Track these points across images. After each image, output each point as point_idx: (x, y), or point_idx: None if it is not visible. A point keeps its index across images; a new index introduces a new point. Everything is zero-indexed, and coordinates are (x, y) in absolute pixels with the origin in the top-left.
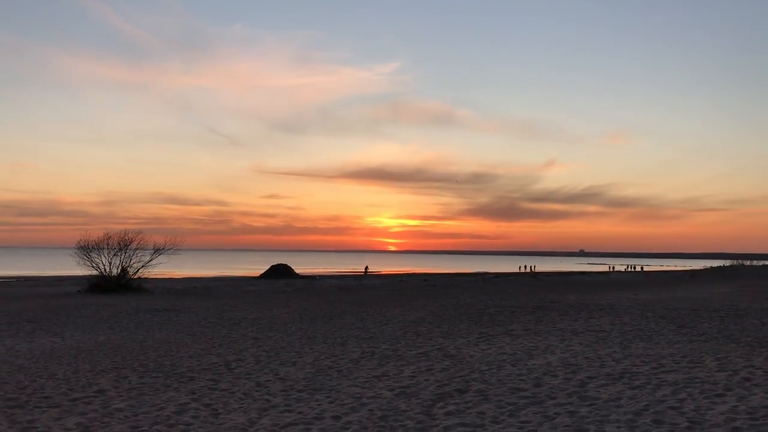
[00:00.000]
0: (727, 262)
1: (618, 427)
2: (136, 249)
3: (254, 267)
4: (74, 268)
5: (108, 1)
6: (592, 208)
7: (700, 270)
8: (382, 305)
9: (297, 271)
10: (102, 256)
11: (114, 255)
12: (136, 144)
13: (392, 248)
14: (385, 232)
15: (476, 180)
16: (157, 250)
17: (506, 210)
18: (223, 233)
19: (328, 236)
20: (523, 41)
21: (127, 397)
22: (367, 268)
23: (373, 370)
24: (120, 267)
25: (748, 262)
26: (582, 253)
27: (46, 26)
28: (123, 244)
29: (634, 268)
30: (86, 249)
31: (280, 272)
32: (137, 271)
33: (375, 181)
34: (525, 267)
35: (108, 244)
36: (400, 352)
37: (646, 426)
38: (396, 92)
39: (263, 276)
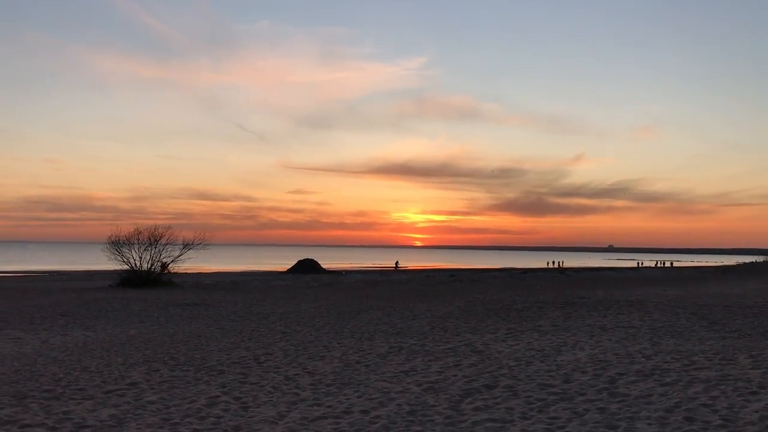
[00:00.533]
0: (760, 258)
1: (649, 424)
2: (166, 244)
3: (281, 262)
4: (105, 262)
5: (139, 0)
6: (620, 203)
7: (732, 266)
8: (408, 300)
9: (323, 266)
10: (132, 251)
11: (144, 250)
12: (165, 140)
13: (418, 243)
14: (411, 227)
15: (503, 175)
16: (187, 245)
17: (533, 205)
18: (251, 228)
19: (354, 231)
20: (551, 34)
21: (159, 389)
22: (397, 263)
23: (401, 365)
24: (158, 262)
25: None
26: (611, 249)
27: (78, 25)
28: (153, 240)
29: (664, 263)
30: (117, 244)
31: (306, 267)
32: (154, 265)
33: (401, 176)
34: (553, 262)
35: (138, 240)
36: (428, 348)
37: (678, 423)
38: (422, 87)
39: (290, 271)
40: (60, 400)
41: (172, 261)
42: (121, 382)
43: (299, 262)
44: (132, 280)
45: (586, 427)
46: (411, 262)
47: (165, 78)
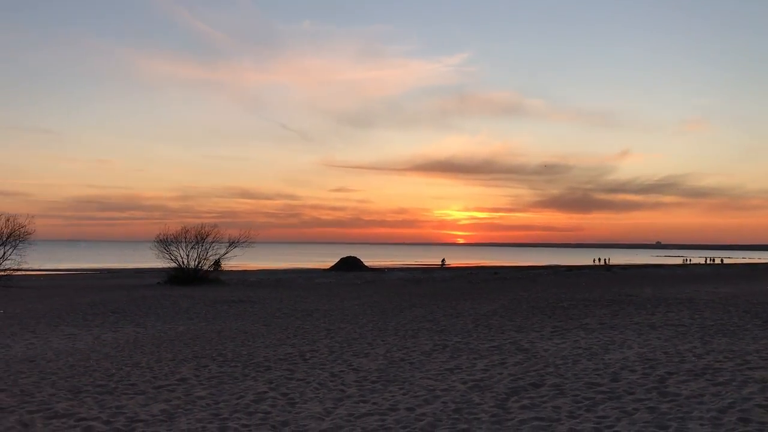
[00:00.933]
0: None
1: (701, 425)
2: (212, 242)
3: (324, 259)
4: (154, 260)
5: (183, 3)
6: (668, 199)
7: None
8: (452, 298)
9: (366, 264)
10: (180, 249)
11: (191, 248)
12: (211, 140)
13: (460, 241)
14: (453, 224)
15: (547, 171)
16: (232, 243)
17: (579, 201)
18: (294, 226)
19: (396, 229)
20: (596, 27)
21: (208, 385)
22: (444, 260)
23: (446, 362)
24: (212, 260)
25: None
26: (659, 245)
27: (126, 28)
28: (200, 238)
29: (713, 260)
30: (165, 242)
31: (349, 265)
32: (207, 263)
33: (443, 173)
34: (599, 259)
35: (185, 238)
36: (472, 346)
37: (732, 424)
38: (464, 83)
39: (333, 268)
40: (113, 394)
41: (218, 259)
42: (171, 378)
43: (342, 259)
44: (179, 277)
45: (635, 426)
46: (454, 259)
47: (210, 79)
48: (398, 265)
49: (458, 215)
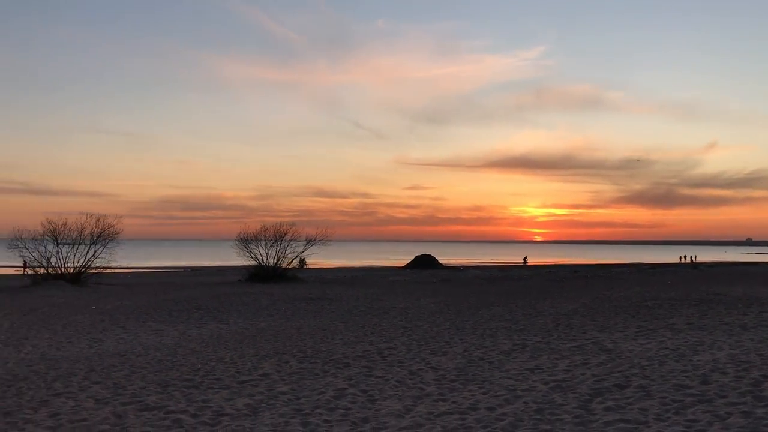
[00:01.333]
0: None
1: None
2: (290, 240)
3: (399, 257)
4: (234, 258)
5: (260, 6)
6: (759, 193)
7: None
8: (530, 297)
9: (441, 262)
10: (259, 247)
11: (270, 246)
12: (287, 140)
13: (538, 238)
14: (530, 221)
15: (629, 166)
16: (309, 242)
17: (662, 197)
18: (369, 224)
19: (471, 226)
20: (676, 14)
21: (290, 381)
22: (525, 258)
23: (526, 362)
24: (298, 258)
25: None
26: (749, 242)
27: (206, 35)
28: (278, 236)
29: None
30: (245, 241)
31: (424, 263)
32: (292, 261)
33: (519, 169)
34: (685, 257)
35: (265, 236)
36: (553, 345)
37: None
38: (541, 77)
39: (408, 266)
40: (199, 388)
41: (296, 256)
42: (254, 373)
43: (417, 257)
44: (259, 275)
45: (729, 431)
46: (531, 257)
47: (287, 80)
48: (474, 263)
49: (535, 212)
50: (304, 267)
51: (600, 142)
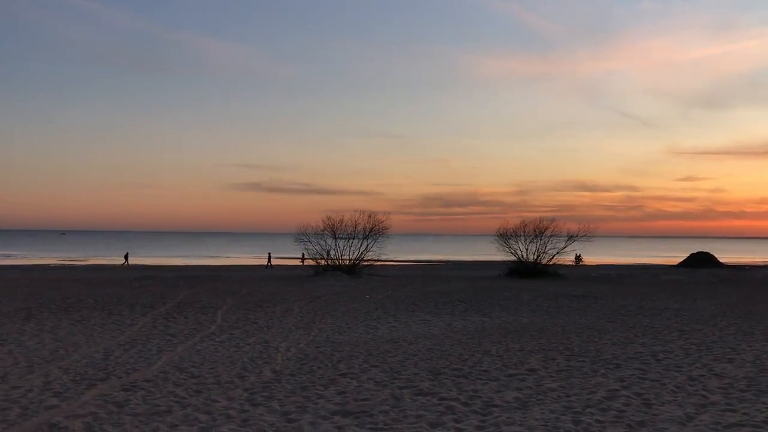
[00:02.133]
0: None
1: None
2: (551, 236)
3: (671, 254)
4: (493, 253)
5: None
6: None
7: None
8: None
9: (720, 260)
10: (519, 242)
11: (530, 242)
12: (545, 134)
13: None
14: None
15: None
16: (570, 237)
17: None
18: (636, 219)
19: (758, 221)
20: None
21: (557, 378)
22: None
23: None
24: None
25: None
26: None
27: (462, 32)
28: (538, 232)
29: None
30: (505, 236)
31: (701, 261)
32: (553, 257)
33: None
34: None
35: (524, 232)
36: None
37: None
38: None
39: (682, 264)
40: (468, 378)
41: (557, 253)
42: (520, 367)
43: (692, 255)
44: (519, 270)
45: None
46: None
47: (544, 72)
48: (762, 262)
49: None
50: (580, 264)
51: None
